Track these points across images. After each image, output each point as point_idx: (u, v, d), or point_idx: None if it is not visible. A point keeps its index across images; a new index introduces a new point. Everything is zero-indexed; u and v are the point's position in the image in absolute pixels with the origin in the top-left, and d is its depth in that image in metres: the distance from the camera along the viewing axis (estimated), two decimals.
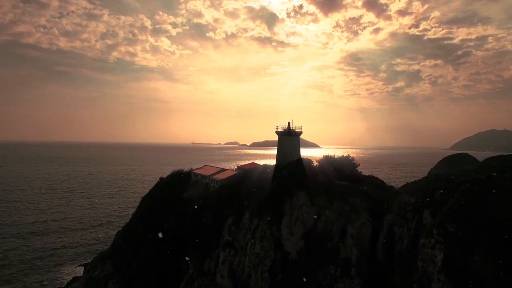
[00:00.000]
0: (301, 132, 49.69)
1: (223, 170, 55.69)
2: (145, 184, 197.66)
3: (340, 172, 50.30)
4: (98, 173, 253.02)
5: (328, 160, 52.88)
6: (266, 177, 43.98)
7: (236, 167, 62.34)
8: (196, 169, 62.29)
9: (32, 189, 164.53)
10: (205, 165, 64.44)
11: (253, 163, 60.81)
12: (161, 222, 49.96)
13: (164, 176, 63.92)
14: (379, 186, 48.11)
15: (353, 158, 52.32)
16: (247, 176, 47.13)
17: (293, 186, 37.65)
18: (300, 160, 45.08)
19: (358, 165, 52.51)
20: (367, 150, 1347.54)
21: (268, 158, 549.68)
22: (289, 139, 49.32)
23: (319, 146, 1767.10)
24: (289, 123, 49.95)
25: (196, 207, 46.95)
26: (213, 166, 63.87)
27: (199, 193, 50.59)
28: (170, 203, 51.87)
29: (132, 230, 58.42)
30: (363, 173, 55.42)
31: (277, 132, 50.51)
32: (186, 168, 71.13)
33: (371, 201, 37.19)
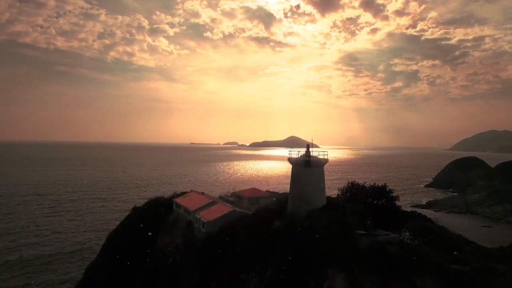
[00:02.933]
0: (326, 160, 33.87)
1: (213, 203, 41.23)
2: (138, 191, 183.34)
3: (372, 207, 36.33)
4: (91, 177, 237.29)
5: (355, 190, 38.56)
6: (275, 220, 29.84)
7: (231, 193, 48.09)
8: (180, 196, 47.93)
9: (16, 197, 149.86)
10: (191, 191, 50.08)
11: (253, 189, 46.67)
12: (123, 281, 35.99)
13: (140, 204, 49.68)
14: (431, 231, 33.79)
15: (390, 189, 38.21)
16: (246, 219, 32.49)
17: (322, 259, 23.52)
18: (328, 206, 30.38)
19: (397, 198, 38.44)
20: (367, 151, 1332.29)
21: (267, 159, 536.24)
22: (308, 172, 32.39)
23: (318, 147, 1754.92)
24: (308, 145, 34.52)
25: (171, 263, 32.85)
26: (202, 193, 49.47)
27: (177, 242, 36.42)
28: (139, 253, 37.68)
29: (94, 275, 44.15)
30: (397, 203, 41.47)
31: (290, 160, 34.79)
32: (172, 186, 57.12)
33: (450, 281, 22.96)
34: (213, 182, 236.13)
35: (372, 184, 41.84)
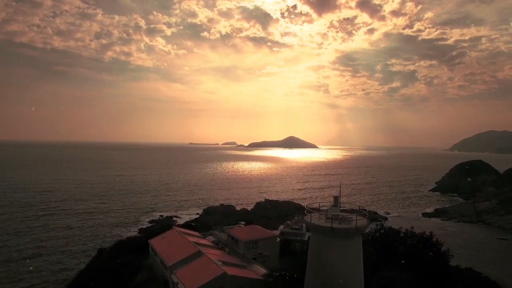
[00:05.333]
0: (366, 225, 21.30)
1: (198, 253, 31.41)
2: (132, 200, 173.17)
3: (415, 265, 26.73)
4: (84, 182, 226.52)
5: (388, 237, 28.76)
6: None
7: (222, 229, 38.19)
8: (158, 236, 38.05)
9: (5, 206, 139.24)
10: (173, 228, 39.98)
11: (251, 228, 36.98)
12: None
13: (108, 243, 39.90)
14: None
15: (437, 240, 28.52)
16: None
17: None
18: None
19: (449, 252, 28.69)
20: (366, 151, 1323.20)
21: (266, 161, 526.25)
22: (337, 246, 19.84)
23: (317, 147, 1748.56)
24: (336, 198, 22.18)
25: None
26: (185, 232, 39.33)
27: None
28: None
29: None
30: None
31: (308, 223, 22.25)
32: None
33: None
34: (210, 187, 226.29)
35: (410, 229, 31.93)
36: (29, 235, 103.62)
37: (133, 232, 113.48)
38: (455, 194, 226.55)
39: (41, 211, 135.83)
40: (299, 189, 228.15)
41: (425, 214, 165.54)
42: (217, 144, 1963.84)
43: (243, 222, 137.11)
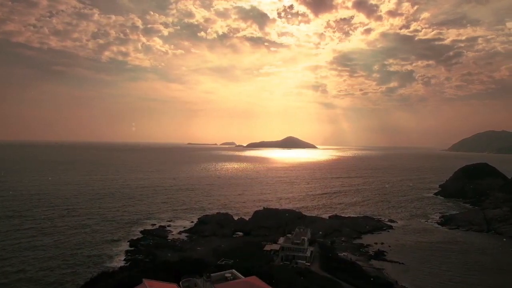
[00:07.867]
0: None
1: None
2: (125, 205, 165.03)
3: None
4: (77, 187, 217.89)
5: None
6: None
7: (208, 278, 29.69)
8: None
9: None
10: (143, 283, 31.49)
11: (247, 284, 28.33)
12: None
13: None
14: None
15: None
16: None
17: None
18: None
19: None
20: (365, 151, 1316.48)
21: (265, 163, 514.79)
22: None
23: (316, 147, 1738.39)
24: None
25: None
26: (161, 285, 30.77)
27: None
28: None
29: None
30: None
31: None
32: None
33: None
34: (207, 192, 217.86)
35: None
36: (13, 253, 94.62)
37: (122, 246, 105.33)
38: (460, 199, 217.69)
39: (30, 223, 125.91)
40: (299, 195, 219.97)
41: (432, 222, 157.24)
42: (216, 144, 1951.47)
43: (240, 233, 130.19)
